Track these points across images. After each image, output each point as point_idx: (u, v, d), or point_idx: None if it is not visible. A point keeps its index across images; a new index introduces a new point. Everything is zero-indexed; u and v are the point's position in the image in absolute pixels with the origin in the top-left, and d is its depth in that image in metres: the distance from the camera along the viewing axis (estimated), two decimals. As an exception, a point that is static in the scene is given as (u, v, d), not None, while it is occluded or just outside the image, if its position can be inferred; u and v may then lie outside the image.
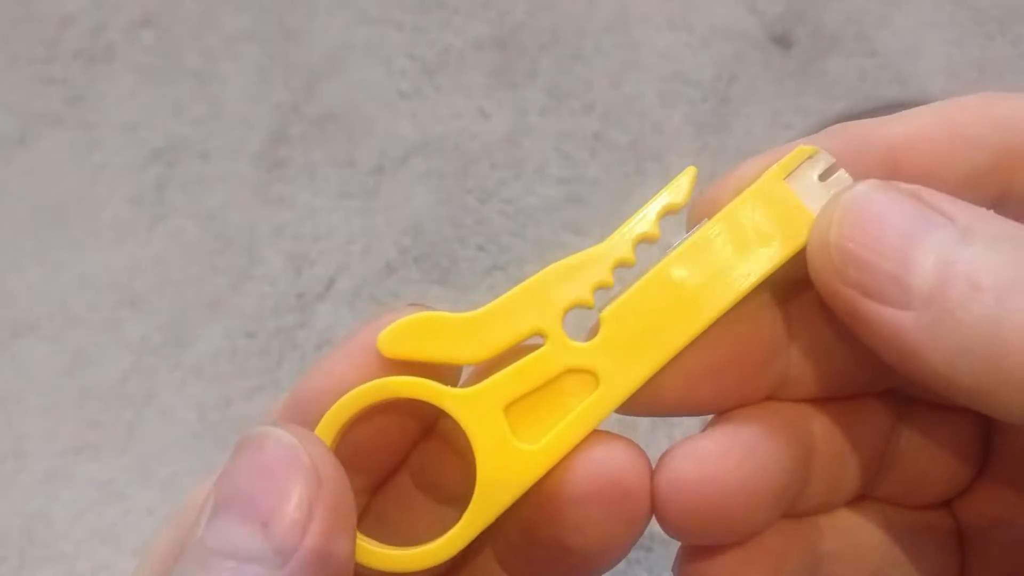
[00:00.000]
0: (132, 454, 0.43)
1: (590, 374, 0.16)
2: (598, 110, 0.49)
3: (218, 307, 0.46)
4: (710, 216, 0.17)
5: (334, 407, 0.16)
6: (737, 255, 0.16)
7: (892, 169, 0.16)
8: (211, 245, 0.47)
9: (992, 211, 0.14)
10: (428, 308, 0.17)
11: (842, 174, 0.16)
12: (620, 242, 0.17)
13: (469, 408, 0.16)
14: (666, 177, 0.18)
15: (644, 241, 0.17)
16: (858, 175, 0.16)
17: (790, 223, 0.16)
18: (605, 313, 0.17)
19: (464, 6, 0.52)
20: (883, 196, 0.15)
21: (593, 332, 0.17)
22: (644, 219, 0.17)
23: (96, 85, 0.51)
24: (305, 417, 0.17)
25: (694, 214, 0.18)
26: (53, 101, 0.50)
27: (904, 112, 0.17)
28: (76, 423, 0.44)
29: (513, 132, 0.49)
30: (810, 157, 0.16)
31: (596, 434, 0.16)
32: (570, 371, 0.16)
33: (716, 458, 0.16)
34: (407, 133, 0.49)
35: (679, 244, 0.17)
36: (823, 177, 0.16)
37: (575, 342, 0.16)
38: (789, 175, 0.16)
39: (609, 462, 0.16)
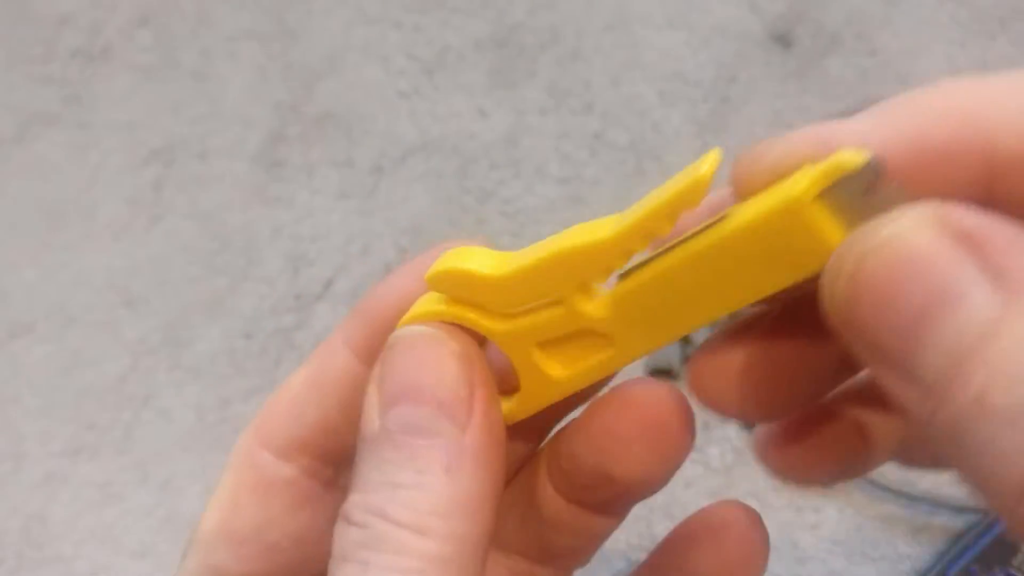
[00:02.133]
0: (130, 455, 0.43)
1: (604, 336, 0.17)
2: (598, 110, 0.49)
3: (216, 308, 0.46)
4: (736, 198, 0.16)
5: (406, 317, 0.18)
6: (756, 264, 0.15)
7: None
8: (209, 245, 0.47)
9: None
10: (473, 247, 0.18)
11: (892, 190, 0.14)
12: (631, 235, 0.16)
13: (508, 339, 0.18)
14: (666, 177, 0.18)
15: (654, 238, 0.17)
16: None
17: (818, 243, 0.14)
18: (618, 287, 0.17)
19: (463, 5, 0.52)
20: (922, 246, 0.11)
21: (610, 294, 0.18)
22: (657, 215, 0.16)
23: (93, 85, 0.50)
24: (372, 326, 0.18)
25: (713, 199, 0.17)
26: (50, 101, 0.50)
27: (872, 113, 0.16)
28: (74, 424, 0.44)
29: (512, 132, 0.49)
30: (853, 170, 0.14)
31: (639, 379, 0.18)
32: (587, 330, 0.18)
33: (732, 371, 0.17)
34: (406, 133, 0.49)
35: (698, 231, 0.16)
36: (868, 192, 0.14)
37: (591, 305, 0.17)
38: (826, 190, 0.14)
39: (649, 401, 0.18)
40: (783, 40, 0.51)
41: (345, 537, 0.15)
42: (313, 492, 0.19)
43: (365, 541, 0.15)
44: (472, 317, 0.17)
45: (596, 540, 0.20)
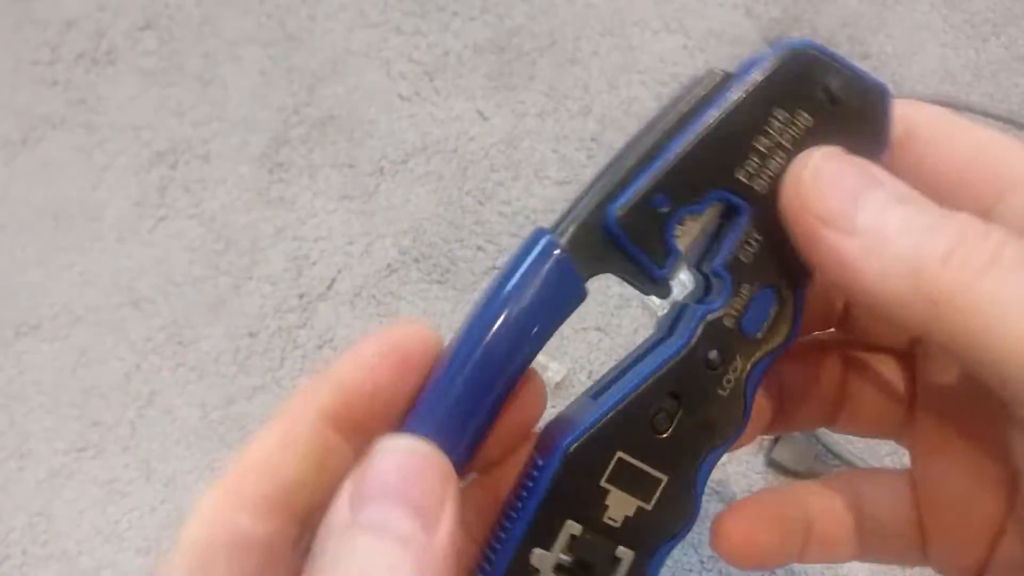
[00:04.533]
0: (134, 453, 0.44)
1: None
2: (595, 112, 0.50)
3: (220, 307, 0.46)
4: None
5: None
6: None
7: None
8: (213, 246, 0.47)
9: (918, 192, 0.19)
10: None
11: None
12: None
13: None
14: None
15: None
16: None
17: None
18: None
19: (463, 10, 0.53)
20: (842, 159, 0.20)
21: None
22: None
23: (98, 88, 0.51)
24: (343, 394, 0.20)
25: None
26: (56, 103, 0.51)
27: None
28: (79, 422, 0.44)
29: (511, 134, 0.49)
30: None
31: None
32: None
33: None
34: (407, 135, 0.49)
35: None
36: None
37: None
38: None
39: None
40: (778, 44, 0.52)
41: None
42: (283, 552, 0.19)
43: None
44: None
45: None
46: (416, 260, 0.47)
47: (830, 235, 0.19)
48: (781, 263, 0.21)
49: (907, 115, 0.21)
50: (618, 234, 0.20)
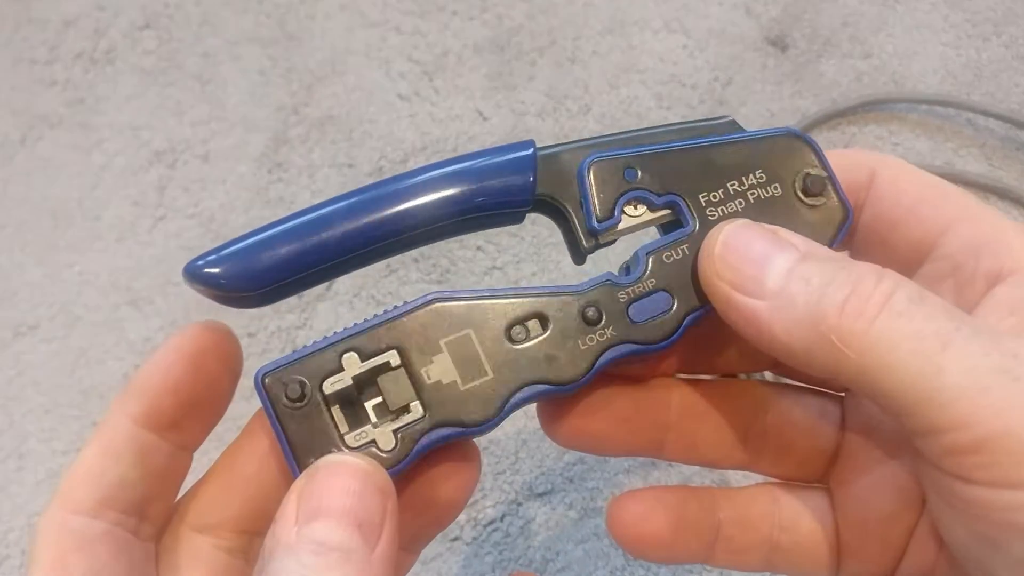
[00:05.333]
0: (133, 453, 0.44)
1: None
2: (595, 112, 0.50)
3: (219, 307, 0.46)
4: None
5: None
6: None
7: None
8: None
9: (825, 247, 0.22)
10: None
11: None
12: None
13: None
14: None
15: None
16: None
17: None
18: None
19: (463, 9, 0.53)
20: (753, 228, 0.22)
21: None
22: None
23: (97, 87, 0.51)
24: (149, 399, 0.23)
25: None
26: (55, 103, 0.51)
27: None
28: (78, 422, 0.44)
29: (511, 133, 0.49)
30: None
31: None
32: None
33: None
34: (406, 135, 0.49)
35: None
36: None
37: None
38: None
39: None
40: (778, 43, 0.52)
41: None
42: (126, 541, 0.22)
43: None
44: None
45: None
46: (415, 260, 0.46)
47: (740, 299, 0.21)
48: (691, 283, 0.23)
49: (872, 160, 0.24)
50: (584, 175, 0.23)
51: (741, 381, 0.27)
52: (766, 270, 0.21)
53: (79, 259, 0.47)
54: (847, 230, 0.23)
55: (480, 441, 0.43)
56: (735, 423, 0.26)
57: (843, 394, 0.27)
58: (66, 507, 0.21)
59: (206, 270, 0.23)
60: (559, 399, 0.24)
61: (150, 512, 0.22)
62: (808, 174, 0.23)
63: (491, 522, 0.41)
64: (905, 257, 0.24)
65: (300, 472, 0.21)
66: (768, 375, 0.29)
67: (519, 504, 0.41)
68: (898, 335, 0.19)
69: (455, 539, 0.41)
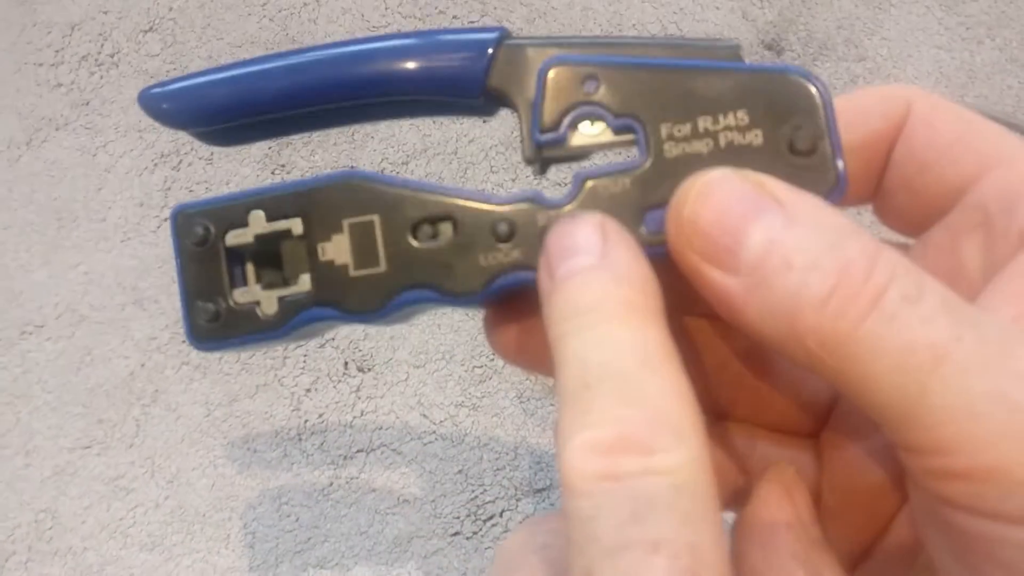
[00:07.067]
0: (139, 450, 0.44)
1: None
2: (594, 114, 0.50)
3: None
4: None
5: None
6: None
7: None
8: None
9: (824, 202, 0.18)
10: None
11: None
12: None
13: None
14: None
15: None
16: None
17: None
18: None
19: (463, 13, 0.53)
20: (734, 181, 0.18)
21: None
22: None
23: (102, 90, 0.51)
24: None
25: None
26: (60, 105, 0.51)
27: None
28: (84, 420, 0.44)
29: (511, 136, 0.50)
30: None
31: None
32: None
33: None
34: (407, 137, 0.50)
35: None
36: None
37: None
38: None
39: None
40: (774, 47, 0.52)
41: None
42: None
43: None
44: None
45: None
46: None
47: (710, 272, 0.18)
48: (623, 218, 0.20)
49: (908, 93, 0.21)
50: (542, 76, 0.20)
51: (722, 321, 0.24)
52: (742, 239, 0.17)
53: (85, 259, 0.48)
54: (836, 201, 0.19)
55: (480, 438, 0.44)
56: (712, 363, 0.23)
57: None
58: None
59: (155, 104, 0.23)
60: (506, 307, 0.22)
61: None
62: (801, 126, 0.19)
63: (491, 517, 0.42)
64: (932, 203, 0.21)
65: (186, 312, 0.21)
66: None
67: (518, 499, 0.42)
68: (886, 345, 0.16)
69: (455, 534, 0.41)
